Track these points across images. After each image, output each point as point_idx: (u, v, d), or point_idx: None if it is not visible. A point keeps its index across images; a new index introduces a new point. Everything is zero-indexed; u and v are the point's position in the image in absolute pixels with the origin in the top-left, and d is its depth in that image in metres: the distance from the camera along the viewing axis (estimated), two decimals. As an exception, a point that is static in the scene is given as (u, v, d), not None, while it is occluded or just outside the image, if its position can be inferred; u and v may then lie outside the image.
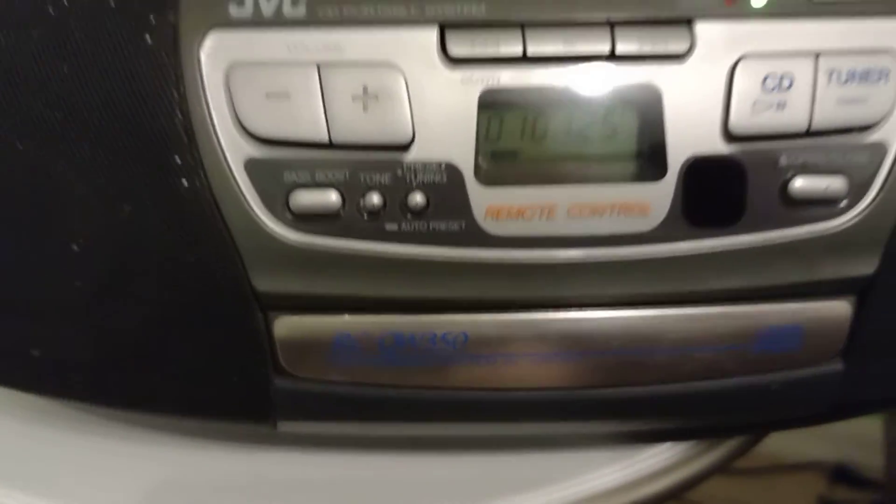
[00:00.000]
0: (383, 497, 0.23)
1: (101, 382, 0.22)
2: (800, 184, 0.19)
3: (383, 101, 0.18)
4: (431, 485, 0.23)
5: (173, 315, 0.20)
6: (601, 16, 0.18)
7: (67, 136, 0.18)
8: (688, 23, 0.18)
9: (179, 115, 0.18)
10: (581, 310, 0.19)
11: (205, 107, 0.18)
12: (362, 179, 0.18)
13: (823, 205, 0.19)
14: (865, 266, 0.19)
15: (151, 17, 0.18)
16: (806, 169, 0.19)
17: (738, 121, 0.18)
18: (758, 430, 0.24)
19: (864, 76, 0.18)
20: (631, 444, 0.24)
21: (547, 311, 0.19)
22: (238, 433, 0.24)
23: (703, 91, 0.18)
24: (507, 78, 0.18)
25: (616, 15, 0.18)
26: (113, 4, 0.19)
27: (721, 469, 0.25)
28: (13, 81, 0.19)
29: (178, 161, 0.18)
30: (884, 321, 0.20)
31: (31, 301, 0.20)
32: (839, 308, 0.19)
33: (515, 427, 0.22)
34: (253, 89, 0.18)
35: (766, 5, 0.19)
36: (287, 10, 0.18)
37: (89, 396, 0.22)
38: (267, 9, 0.18)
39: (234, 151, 0.18)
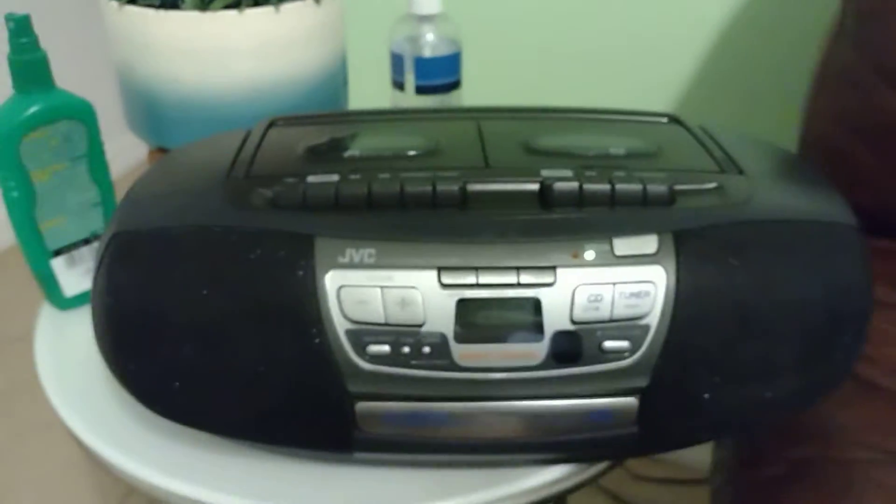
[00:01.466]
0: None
1: (247, 428, 0.42)
2: (607, 343, 0.39)
3: (409, 305, 0.38)
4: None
5: (301, 402, 0.40)
6: (513, 265, 0.39)
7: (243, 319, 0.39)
8: (553, 269, 0.39)
9: (316, 310, 0.38)
10: (504, 402, 0.39)
11: (328, 306, 0.38)
12: (400, 340, 0.38)
13: (619, 354, 0.39)
14: (641, 382, 0.39)
15: (302, 262, 0.38)
16: (609, 337, 0.39)
17: (577, 315, 0.38)
18: (599, 460, 0.45)
19: (637, 295, 0.39)
20: (538, 466, 0.44)
21: (488, 403, 0.40)
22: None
23: (560, 301, 0.38)
24: (469, 293, 0.38)
25: (522, 265, 0.39)
26: (283, 255, 0.39)
27: (589, 483, 0.45)
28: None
29: (314, 332, 0.38)
30: (652, 407, 0.40)
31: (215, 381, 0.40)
32: (631, 402, 0.40)
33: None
34: (350, 298, 0.38)
35: (592, 259, 0.39)
36: (366, 259, 0.39)
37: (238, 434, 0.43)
38: (356, 259, 0.39)
39: (341, 326, 0.38)
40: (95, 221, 0.57)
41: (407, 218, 0.40)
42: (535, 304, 0.38)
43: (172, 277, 0.39)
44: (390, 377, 0.39)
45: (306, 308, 0.38)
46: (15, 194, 0.53)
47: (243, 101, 0.56)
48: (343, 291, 0.38)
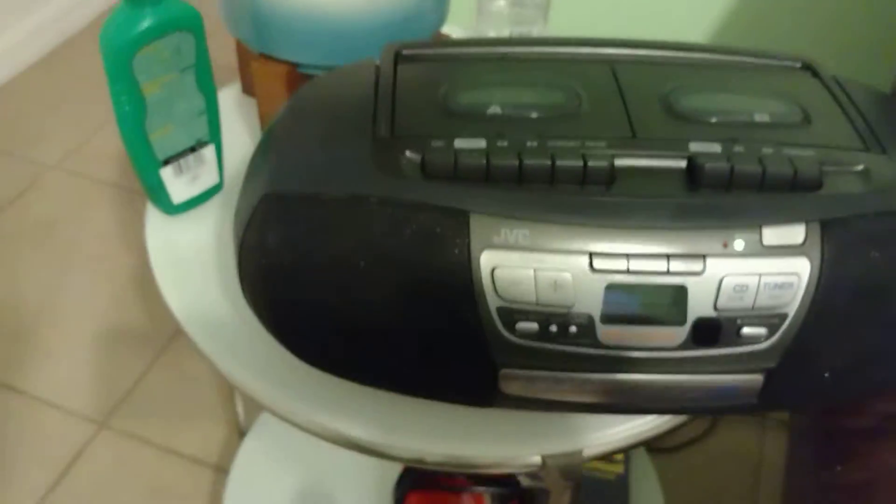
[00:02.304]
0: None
1: (394, 382, 0.44)
2: (745, 330, 0.40)
3: (561, 288, 0.39)
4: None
5: (449, 368, 0.42)
6: (663, 252, 0.39)
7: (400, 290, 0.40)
8: (703, 257, 0.39)
9: (469, 288, 0.39)
10: (639, 375, 0.42)
11: (481, 285, 0.39)
12: (549, 319, 0.40)
13: (755, 339, 0.40)
14: (771, 363, 0.41)
15: (458, 240, 0.39)
16: (748, 324, 0.40)
17: (721, 303, 0.40)
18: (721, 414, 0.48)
19: (780, 286, 0.40)
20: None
21: (624, 375, 0.42)
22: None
23: (707, 289, 0.39)
24: (619, 279, 0.39)
25: (672, 252, 0.39)
26: (439, 232, 0.39)
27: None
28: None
29: (467, 307, 0.40)
30: (775, 384, 0.42)
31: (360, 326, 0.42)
32: (757, 379, 0.42)
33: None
34: (504, 279, 0.39)
35: (741, 250, 0.40)
36: (520, 241, 0.39)
37: (385, 386, 0.45)
38: (510, 239, 0.39)
39: (493, 304, 0.40)
40: (201, 129, 0.57)
41: (558, 196, 0.40)
42: (682, 292, 0.39)
43: (328, 247, 0.40)
44: (536, 351, 0.40)
45: (460, 286, 0.39)
46: (127, 108, 0.52)
47: (357, 12, 0.53)
48: (497, 272, 0.39)
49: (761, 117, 0.45)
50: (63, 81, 1.65)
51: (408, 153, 0.41)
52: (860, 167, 0.42)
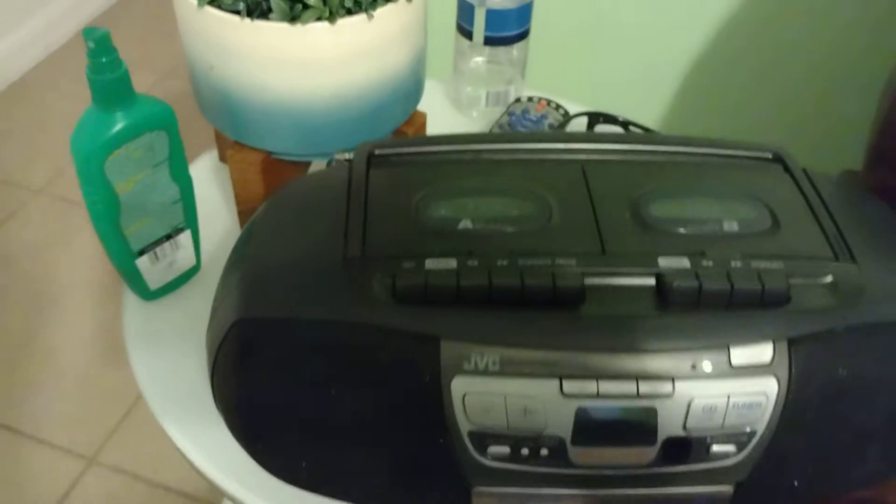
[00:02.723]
0: None
1: (369, 495, 0.45)
2: (714, 447, 0.41)
3: (531, 413, 0.39)
4: None
5: (422, 488, 0.42)
6: (633, 375, 0.40)
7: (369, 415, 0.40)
8: (672, 380, 0.40)
9: (440, 414, 0.39)
10: (611, 490, 0.42)
11: (452, 411, 0.39)
12: (520, 443, 0.40)
13: (724, 455, 0.41)
14: (740, 477, 0.42)
15: (428, 368, 0.39)
16: (717, 441, 0.41)
17: (690, 424, 0.40)
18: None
19: (749, 406, 0.40)
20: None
21: (596, 490, 0.42)
22: None
23: (676, 411, 0.40)
24: (590, 402, 0.40)
25: (642, 375, 0.39)
26: (410, 359, 0.39)
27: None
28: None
29: (438, 432, 0.40)
30: (745, 494, 0.43)
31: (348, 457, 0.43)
32: (727, 490, 0.42)
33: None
34: (474, 405, 0.39)
35: (709, 371, 0.40)
36: (490, 367, 0.39)
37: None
38: (480, 366, 0.39)
39: (464, 428, 0.40)
40: (176, 217, 0.57)
41: (528, 318, 0.40)
42: (652, 414, 0.40)
43: (299, 373, 0.40)
44: (508, 472, 0.41)
45: (432, 412, 0.39)
46: (100, 207, 0.52)
47: (330, 106, 0.53)
48: (468, 398, 0.39)
49: (730, 226, 0.45)
50: (48, 99, 1.64)
51: (379, 275, 0.41)
52: (828, 279, 0.43)
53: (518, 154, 0.50)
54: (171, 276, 0.60)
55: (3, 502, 1.08)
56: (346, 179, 0.47)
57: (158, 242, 0.57)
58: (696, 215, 0.45)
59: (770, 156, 0.51)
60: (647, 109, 1.07)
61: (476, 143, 0.50)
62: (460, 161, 0.49)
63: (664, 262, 0.42)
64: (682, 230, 0.44)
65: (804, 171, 0.50)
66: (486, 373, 0.39)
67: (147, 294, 0.59)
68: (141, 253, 0.56)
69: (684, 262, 0.42)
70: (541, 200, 0.46)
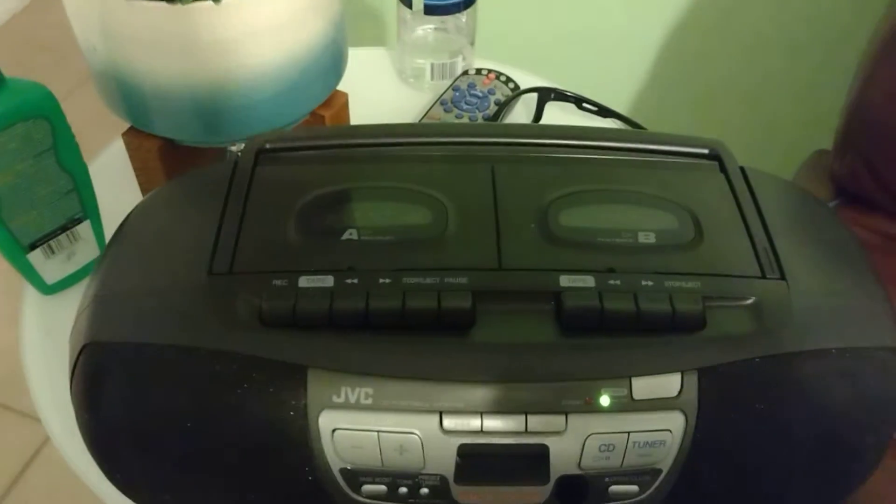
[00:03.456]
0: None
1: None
2: (614, 488, 0.37)
3: (408, 451, 0.36)
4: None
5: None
6: (521, 410, 0.36)
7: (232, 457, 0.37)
8: (565, 414, 0.36)
9: (308, 451, 0.36)
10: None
11: (321, 447, 0.36)
12: (397, 482, 0.36)
13: (625, 496, 0.37)
14: (645, 517, 0.38)
15: (293, 401, 0.35)
16: (617, 482, 0.37)
17: (586, 463, 0.36)
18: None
19: (652, 444, 0.36)
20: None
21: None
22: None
23: (569, 449, 0.36)
24: (473, 439, 0.36)
25: (531, 410, 0.36)
26: (273, 391, 0.35)
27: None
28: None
29: (307, 469, 0.36)
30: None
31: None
32: (632, 530, 0.39)
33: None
34: (345, 442, 0.36)
35: (607, 405, 0.36)
36: (362, 400, 0.35)
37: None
38: (351, 399, 0.36)
39: (335, 465, 0.36)
40: (71, 208, 0.53)
41: (408, 345, 0.36)
42: (543, 452, 0.36)
43: (153, 403, 0.36)
44: (383, 512, 0.37)
45: (298, 449, 0.36)
46: (-25, 201, 0.48)
47: (227, 91, 0.49)
48: (338, 434, 0.35)
49: (646, 237, 0.40)
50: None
51: (245, 295, 0.37)
52: (751, 300, 0.38)
53: (424, 150, 0.45)
54: (72, 269, 0.56)
55: None
56: (228, 181, 0.42)
57: (52, 235, 0.53)
58: (610, 225, 0.41)
59: (706, 152, 0.46)
60: (610, 86, 1.01)
61: (379, 137, 0.45)
62: (357, 159, 0.44)
63: (566, 280, 0.38)
64: (591, 243, 0.40)
65: (742, 169, 0.45)
66: (357, 407, 0.35)
67: (46, 288, 0.55)
68: (32, 247, 0.52)
69: (588, 281, 0.38)
70: (438, 207, 0.41)
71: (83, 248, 0.55)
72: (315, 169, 0.43)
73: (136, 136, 0.52)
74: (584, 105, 0.68)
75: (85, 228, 0.54)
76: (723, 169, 0.45)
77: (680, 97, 1.00)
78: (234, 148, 0.47)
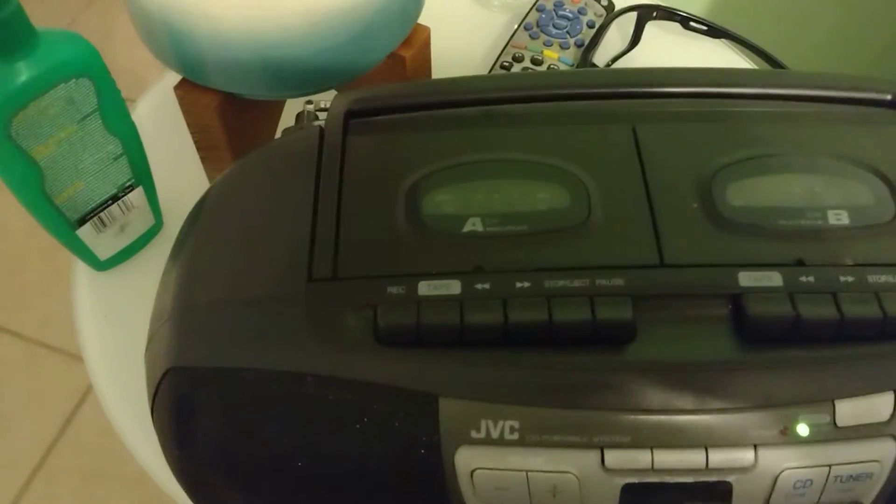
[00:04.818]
0: None
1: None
2: (807, 525, 0.31)
3: (563, 493, 0.30)
4: None
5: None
6: (700, 443, 0.29)
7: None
8: (754, 447, 0.29)
9: (444, 495, 0.30)
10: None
11: (458, 490, 0.30)
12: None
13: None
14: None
15: (424, 437, 0.29)
16: (811, 520, 0.31)
17: (776, 501, 0.30)
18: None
19: (857, 479, 0.30)
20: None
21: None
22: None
23: (758, 487, 0.30)
24: (641, 479, 0.30)
25: (712, 443, 0.29)
26: (399, 426, 0.29)
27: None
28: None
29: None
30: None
31: None
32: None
33: None
34: (487, 483, 0.30)
35: (805, 436, 0.29)
36: (507, 435, 0.29)
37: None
38: (494, 433, 0.29)
39: (474, 511, 0.30)
40: (121, 174, 0.46)
41: (558, 365, 0.29)
42: (726, 491, 0.30)
43: (254, 439, 0.30)
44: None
45: (431, 492, 0.30)
46: (16, 176, 0.41)
47: (296, 35, 0.41)
48: (479, 475, 0.29)
49: (837, 217, 0.33)
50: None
51: (355, 306, 0.30)
52: (973, 295, 0.31)
53: (545, 108, 0.37)
54: (126, 242, 0.49)
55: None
56: (315, 161, 0.35)
57: (103, 206, 0.46)
58: (792, 203, 0.33)
59: (888, 98, 0.38)
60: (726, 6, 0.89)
61: (489, 92, 0.38)
62: (466, 122, 0.36)
63: (746, 278, 0.31)
64: (770, 227, 0.33)
65: (936, 119, 0.37)
66: (501, 442, 0.29)
67: (99, 265, 0.49)
68: (81, 222, 0.46)
69: (775, 279, 0.31)
70: (576, 184, 0.34)
71: (137, 217, 0.49)
72: (418, 137, 0.36)
73: (190, 91, 0.44)
74: (692, 24, 0.59)
75: (138, 196, 0.48)
76: (914, 121, 0.37)
77: (815, 24, 0.88)
78: (310, 106, 0.39)
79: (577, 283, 0.31)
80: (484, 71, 0.57)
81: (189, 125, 0.47)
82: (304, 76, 0.43)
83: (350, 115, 0.37)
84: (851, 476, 0.30)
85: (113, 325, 0.48)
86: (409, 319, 0.30)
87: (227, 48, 0.41)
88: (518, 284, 0.31)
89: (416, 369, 0.29)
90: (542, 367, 0.29)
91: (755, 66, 0.61)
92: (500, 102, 0.37)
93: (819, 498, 0.30)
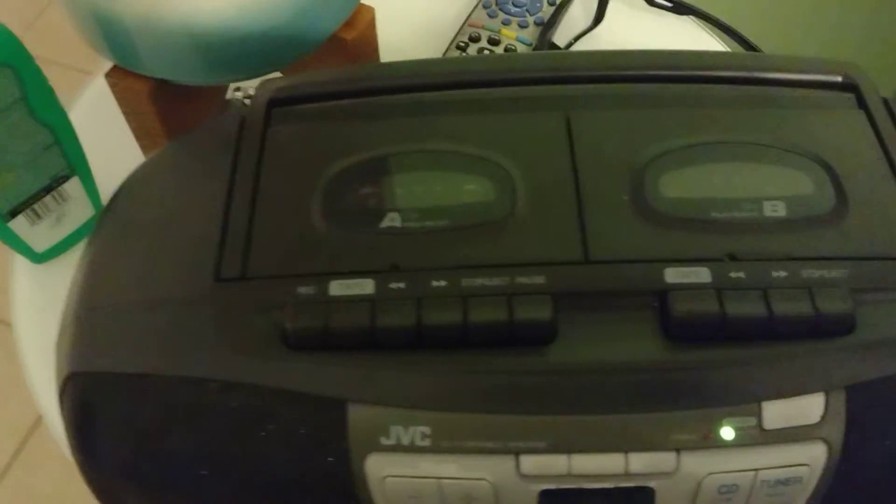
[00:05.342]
0: None
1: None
2: (734, 531, 0.30)
3: (478, 500, 0.28)
4: None
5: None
6: (620, 447, 0.28)
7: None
8: (676, 452, 0.28)
9: (356, 499, 0.29)
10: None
11: (370, 498, 0.28)
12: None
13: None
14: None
15: (332, 445, 0.28)
16: (739, 526, 0.30)
17: (700, 508, 0.29)
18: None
19: (785, 482, 0.29)
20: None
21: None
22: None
23: (681, 492, 0.29)
24: (559, 485, 0.28)
25: (632, 447, 0.28)
26: (305, 433, 0.28)
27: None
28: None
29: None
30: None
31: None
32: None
33: None
34: (399, 491, 0.28)
35: (730, 440, 0.28)
36: (417, 441, 0.28)
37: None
38: (404, 439, 0.28)
39: (387, 515, 0.29)
40: (54, 165, 0.44)
41: (473, 369, 0.28)
42: (648, 498, 0.29)
43: (158, 447, 0.29)
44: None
45: (341, 500, 0.29)
46: (-64, 170, 0.40)
47: (235, 15, 0.39)
48: (389, 483, 0.28)
49: (774, 209, 0.31)
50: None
51: (264, 307, 0.29)
52: (912, 290, 0.30)
53: (477, 94, 0.35)
54: (64, 233, 0.48)
55: None
56: (234, 146, 0.33)
57: (36, 197, 0.45)
58: (726, 193, 0.32)
59: (839, 80, 0.36)
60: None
61: (419, 78, 0.36)
62: (394, 110, 0.35)
63: (673, 274, 0.29)
64: (703, 220, 0.31)
65: (884, 101, 0.35)
66: (412, 449, 0.28)
67: (36, 257, 0.48)
68: (14, 214, 0.44)
69: (703, 275, 0.29)
70: (502, 176, 0.32)
71: (75, 207, 0.47)
72: (341, 127, 0.34)
73: (122, 78, 0.43)
74: (657, 1, 0.57)
75: (74, 186, 0.46)
76: (861, 103, 0.35)
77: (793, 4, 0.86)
78: (238, 94, 0.38)
79: (495, 281, 0.29)
80: (438, 54, 0.55)
81: (124, 113, 0.45)
82: (238, 60, 0.42)
83: (274, 102, 0.35)
84: (780, 481, 0.29)
85: (49, 319, 0.47)
86: (317, 322, 0.28)
87: (155, 32, 0.40)
88: (434, 283, 0.29)
89: (324, 374, 0.28)
90: (456, 370, 0.28)
91: (724, 46, 0.59)
92: (432, 89, 0.35)
93: (746, 503, 0.29)
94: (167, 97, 0.44)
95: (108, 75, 0.43)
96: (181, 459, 0.29)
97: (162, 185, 0.34)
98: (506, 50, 0.55)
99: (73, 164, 0.45)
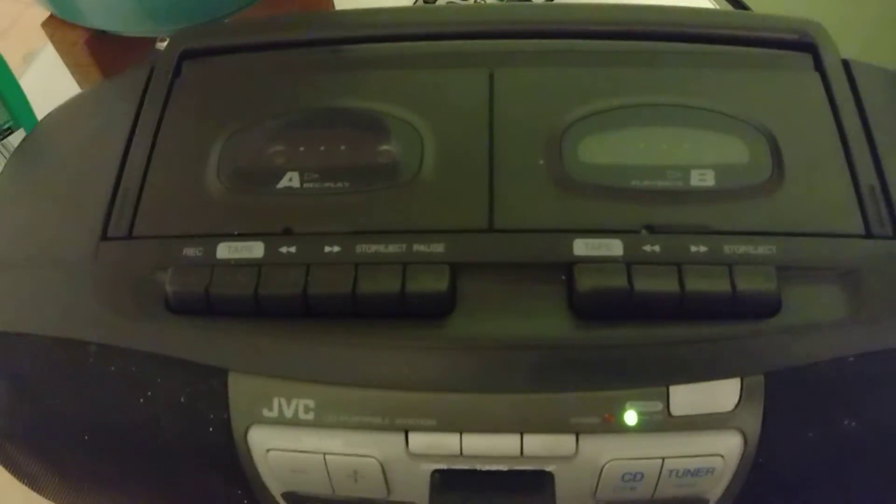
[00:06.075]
0: None
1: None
2: (641, 522, 0.28)
3: (365, 478, 0.27)
4: None
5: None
6: (514, 428, 0.26)
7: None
8: (575, 435, 0.26)
9: (239, 474, 0.27)
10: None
11: (254, 469, 0.27)
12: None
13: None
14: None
15: (212, 414, 0.27)
16: (646, 519, 0.28)
17: (603, 495, 0.27)
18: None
19: (695, 473, 0.27)
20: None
21: None
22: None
23: (582, 478, 0.27)
24: (450, 465, 0.27)
25: (528, 428, 0.26)
26: (185, 401, 0.27)
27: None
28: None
29: (240, 493, 0.28)
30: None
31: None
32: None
33: None
34: (283, 465, 0.27)
35: (633, 425, 0.26)
36: (301, 414, 0.27)
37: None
38: (287, 412, 0.27)
39: (276, 490, 0.28)
40: (-3, 117, 0.43)
41: (361, 341, 0.26)
42: (546, 481, 0.27)
43: (39, 409, 0.28)
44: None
45: (228, 473, 0.27)
46: None
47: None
48: (273, 456, 0.27)
49: (702, 178, 0.29)
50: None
51: (149, 268, 0.28)
52: (847, 271, 0.27)
53: (396, 49, 0.33)
54: (11, 187, 0.47)
55: None
56: (139, 99, 0.32)
57: (-21, 150, 0.44)
58: (651, 160, 0.29)
59: (795, 38, 0.33)
60: None
61: (342, 28, 0.34)
62: (307, 65, 0.33)
63: (582, 245, 0.27)
64: (621, 188, 0.29)
65: (844, 64, 0.32)
66: (296, 422, 0.27)
67: (-17, 212, 0.47)
68: (-45, 166, 0.44)
69: (614, 247, 0.27)
70: (411, 137, 0.30)
71: (22, 161, 0.46)
72: (250, 81, 0.32)
73: (58, 28, 0.41)
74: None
75: (19, 138, 0.45)
76: (818, 64, 0.32)
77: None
78: (161, 44, 0.36)
79: (391, 248, 0.27)
80: (403, 3, 0.53)
81: (66, 64, 0.44)
82: (174, 8, 0.40)
83: (188, 53, 0.33)
84: (689, 471, 0.27)
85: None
86: (199, 286, 0.27)
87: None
88: (327, 249, 0.27)
89: (205, 341, 0.27)
90: (343, 342, 0.27)
91: (711, 3, 0.56)
92: (353, 42, 0.33)
93: (654, 492, 0.27)
94: (107, 49, 0.42)
95: (44, 24, 0.42)
96: (64, 423, 0.28)
97: (67, 136, 0.33)
98: None
99: (17, 116, 0.44)
